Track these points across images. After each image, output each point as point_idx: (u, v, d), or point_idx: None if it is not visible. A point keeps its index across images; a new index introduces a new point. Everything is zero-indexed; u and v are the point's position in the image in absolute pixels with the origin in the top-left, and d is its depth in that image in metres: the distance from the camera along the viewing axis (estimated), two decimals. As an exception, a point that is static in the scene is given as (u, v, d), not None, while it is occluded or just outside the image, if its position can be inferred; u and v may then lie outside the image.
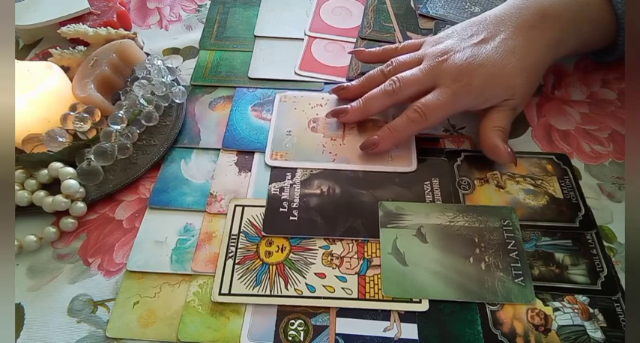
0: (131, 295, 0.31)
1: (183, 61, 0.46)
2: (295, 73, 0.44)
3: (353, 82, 0.40)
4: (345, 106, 0.38)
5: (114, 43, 0.41)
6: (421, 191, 0.36)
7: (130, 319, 0.30)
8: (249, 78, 0.44)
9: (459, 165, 0.37)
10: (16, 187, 0.34)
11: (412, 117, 0.35)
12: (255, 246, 0.33)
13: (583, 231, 0.33)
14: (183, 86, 0.42)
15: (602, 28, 0.38)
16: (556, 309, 0.30)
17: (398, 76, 0.36)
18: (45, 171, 0.35)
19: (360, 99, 0.38)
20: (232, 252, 0.33)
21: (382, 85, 0.37)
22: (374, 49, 0.42)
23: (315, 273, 0.32)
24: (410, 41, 0.42)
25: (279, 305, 0.30)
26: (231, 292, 0.31)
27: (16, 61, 0.38)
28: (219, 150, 0.39)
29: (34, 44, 0.48)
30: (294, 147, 0.38)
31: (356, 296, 0.31)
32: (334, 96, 0.42)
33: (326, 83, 0.43)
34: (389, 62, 0.39)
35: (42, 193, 0.34)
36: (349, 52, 0.45)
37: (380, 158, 0.38)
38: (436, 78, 0.35)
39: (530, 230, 0.34)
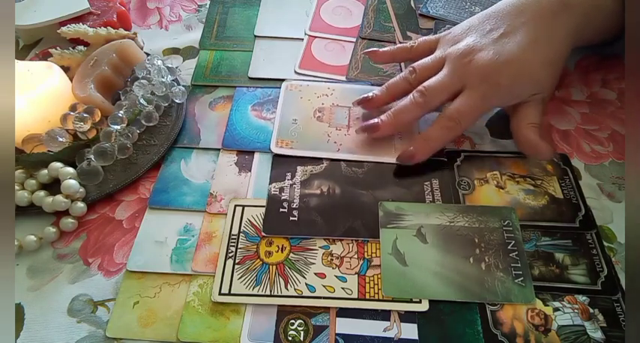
0: (131, 295, 0.31)
1: (183, 61, 0.46)
2: (295, 71, 0.44)
3: (376, 92, 0.38)
4: (376, 121, 0.36)
5: (114, 43, 0.41)
6: (421, 191, 0.36)
7: (130, 319, 0.30)
8: (249, 78, 0.44)
9: (458, 166, 0.37)
10: (16, 187, 0.34)
11: (447, 125, 0.35)
12: (255, 246, 0.33)
13: (583, 231, 0.33)
14: (183, 86, 0.42)
15: (615, 17, 0.37)
16: (556, 309, 0.30)
17: (425, 85, 0.35)
18: (45, 171, 0.35)
19: (389, 113, 0.36)
20: (232, 252, 0.33)
21: (411, 97, 0.36)
22: (387, 49, 0.41)
23: (315, 273, 0.32)
24: (424, 39, 0.40)
25: (279, 305, 0.30)
26: (231, 292, 0.31)
27: (16, 61, 0.37)
28: (219, 150, 0.39)
29: (34, 44, 0.48)
30: (299, 136, 0.39)
31: (356, 296, 0.31)
32: (341, 87, 0.42)
33: (326, 82, 0.43)
34: (410, 69, 0.38)
35: (42, 193, 0.34)
36: (363, 53, 0.43)
37: (384, 149, 0.38)
38: (463, 80, 0.35)
39: (530, 230, 0.34)
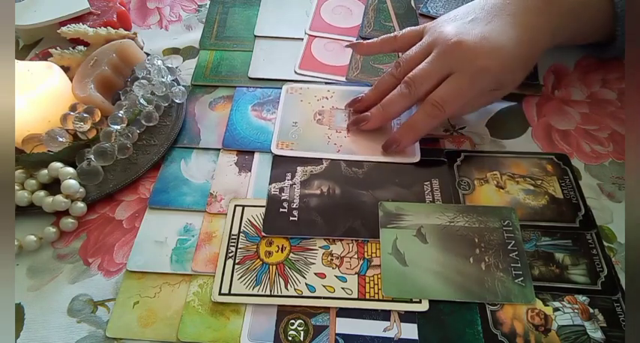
0: (131, 295, 0.31)
1: (183, 61, 0.46)
2: (295, 72, 0.44)
3: (366, 92, 0.39)
4: (366, 114, 0.37)
5: (114, 43, 0.41)
6: (421, 191, 0.36)
7: (130, 319, 0.30)
8: (249, 78, 0.44)
9: (458, 166, 0.37)
10: (16, 187, 0.34)
11: (430, 111, 0.34)
12: (255, 246, 0.33)
13: (583, 231, 0.33)
14: (183, 86, 0.42)
15: (599, 19, 0.37)
16: (556, 309, 0.30)
17: (410, 75, 0.35)
18: (45, 171, 0.35)
19: (378, 105, 0.37)
20: (232, 252, 0.33)
21: (398, 88, 0.36)
22: (372, 41, 0.41)
23: (315, 273, 0.32)
24: (409, 29, 0.40)
25: (279, 305, 0.30)
26: (231, 292, 0.31)
27: (16, 61, 0.38)
28: (219, 150, 0.39)
29: (34, 44, 0.48)
30: (299, 138, 0.39)
31: (356, 296, 0.31)
32: (340, 89, 0.42)
33: (326, 82, 0.43)
34: (396, 63, 0.37)
35: (42, 193, 0.34)
36: (346, 46, 0.42)
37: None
38: (451, 64, 0.34)
39: (530, 230, 0.34)
